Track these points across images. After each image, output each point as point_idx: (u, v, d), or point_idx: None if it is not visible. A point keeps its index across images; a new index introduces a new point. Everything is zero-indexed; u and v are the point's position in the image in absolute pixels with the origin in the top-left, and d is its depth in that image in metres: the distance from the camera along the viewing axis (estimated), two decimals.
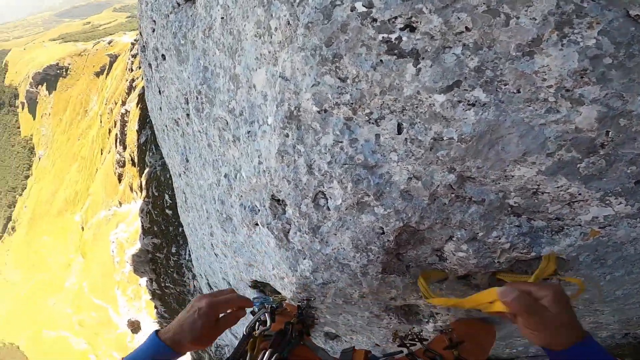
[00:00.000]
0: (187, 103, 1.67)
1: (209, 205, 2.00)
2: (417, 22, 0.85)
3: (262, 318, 1.70)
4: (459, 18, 0.80)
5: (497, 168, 0.93)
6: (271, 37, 1.07)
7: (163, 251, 6.97)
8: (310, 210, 1.27)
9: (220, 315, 1.03)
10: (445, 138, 0.93)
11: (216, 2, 1.31)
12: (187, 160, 1.97)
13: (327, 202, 1.22)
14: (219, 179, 1.68)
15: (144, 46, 2.24)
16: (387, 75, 0.92)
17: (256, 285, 2.56)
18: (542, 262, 1.10)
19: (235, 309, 1.08)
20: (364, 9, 0.87)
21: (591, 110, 0.79)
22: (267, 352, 1.12)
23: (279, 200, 1.36)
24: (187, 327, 0.90)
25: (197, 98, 1.51)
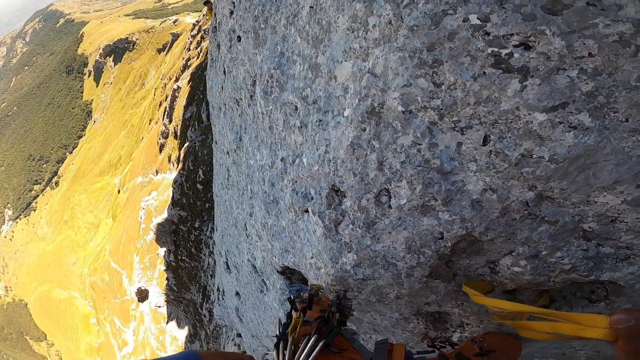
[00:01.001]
0: (254, 85, 1.70)
1: (255, 185, 2.04)
2: (535, 41, 0.83)
3: (303, 297, 1.74)
4: (584, 44, 0.78)
5: (581, 192, 0.91)
6: (366, 33, 1.08)
7: (187, 224, 7.17)
8: (370, 205, 1.28)
9: None
10: (534, 156, 0.92)
11: None
12: (241, 140, 2.01)
13: (390, 200, 1.23)
14: (274, 162, 1.71)
15: (215, 27, 2.28)
16: (487, 87, 0.91)
17: (285, 271, 2.60)
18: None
19: None
20: (478, 22, 0.87)
21: None
22: (312, 338, 1.14)
23: (338, 190, 1.37)
24: None
25: (268, 81, 1.54)
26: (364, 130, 1.14)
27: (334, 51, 1.20)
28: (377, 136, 1.12)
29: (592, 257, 1.02)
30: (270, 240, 2.28)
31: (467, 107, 0.95)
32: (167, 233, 7.40)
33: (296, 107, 1.41)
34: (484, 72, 0.89)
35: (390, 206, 1.24)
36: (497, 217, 1.05)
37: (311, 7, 1.30)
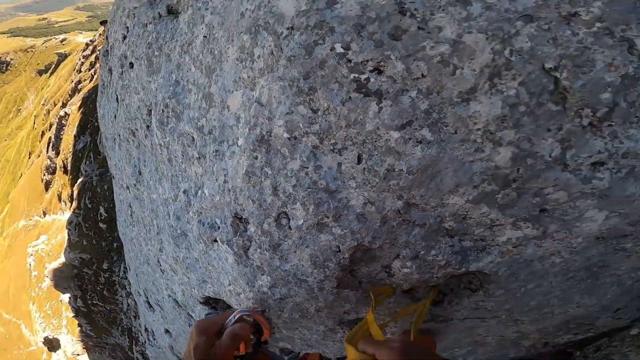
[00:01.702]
0: (150, 115, 1.66)
1: (161, 220, 1.96)
2: (384, 66, 1.00)
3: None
4: (418, 66, 0.97)
5: (436, 197, 1.11)
6: (252, 64, 1.16)
7: (92, 267, 6.37)
8: (272, 228, 1.35)
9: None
10: (396, 169, 1.09)
11: (201, 20, 1.37)
12: (140, 173, 1.92)
13: (289, 222, 1.32)
14: (177, 195, 1.68)
15: (107, 51, 2.16)
16: (353, 110, 1.06)
17: (208, 301, 2.51)
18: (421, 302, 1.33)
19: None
20: (342, 50, 1.01)
21: (507, 150, 1.00)
22: None
23: (241, 218, 1.41)
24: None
25: (164, 111, 1.53)
26: (256, 158, 1.21)
27: (225, 81, 1.27)
28: (268, 163, 1.20)
29: (458, 251, 1.23)
30: (186, 273, 2.19)
31: (340, 129, 1.09)
32: (68, 278, 6.48)
33: (193, 138, 1.43)
34: (350, 97, 1.04)
35: (290, 227, 1.32)
36: (380, 226, 1.21)
37: (205, 36, 1.35)
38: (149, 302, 3.80)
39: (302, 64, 1.05)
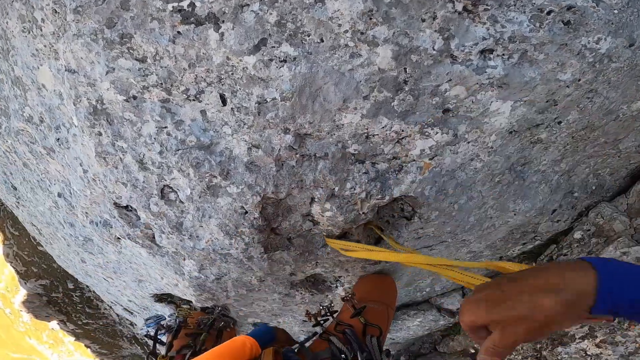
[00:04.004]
0: None
1: (60, 232, 1.75)
2: None
3: (167, 325, 1.62)
4: None
5: (327, 119, 0.96)
6: (41, 30, 0.90)
7: (58, 290, 6.10)
8: (162, 208, 1.18)
9: None
10: (268, 100, 0.92)
11: None
12: (15, 188, 1.66)
13: (178, 195, 1.15)
14: (55, 201, 1.45)
15: None
16: (190, 46, 0.85)
17: (161, 298, 2.41)
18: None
19: None
20: None
21: (386, 50, 0.84)
22: None
23: (125, 206, 1.23)
24: None
25: None
26: (100, 134, 0.99)
27: (24, 58, 1.00)
28: (118, 135, 0.99)
29: (375, 177, 1.11)
30: (118, 277, 2.04)
31: (185, 72, 0.89)
32: (43, 306, 6.22)
33: (29, 132, 1.18)
34: (179, 32, 0.83)
35: (181, 200, 1.16)
36: (277, 171, 1.06)
37: None
38: (126, 309, 3.69)
39: (96, 11, 0.80)
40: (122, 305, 3.28)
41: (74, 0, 0.81)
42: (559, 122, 1.06)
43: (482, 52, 0.86)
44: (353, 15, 0.81)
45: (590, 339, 1.47)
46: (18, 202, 1.81)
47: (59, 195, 1.39)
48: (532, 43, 0.85)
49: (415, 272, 1.91)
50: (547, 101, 0.98)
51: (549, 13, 0.82)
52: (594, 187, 1.47)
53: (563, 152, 1.21)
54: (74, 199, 1.35)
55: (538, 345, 1.86)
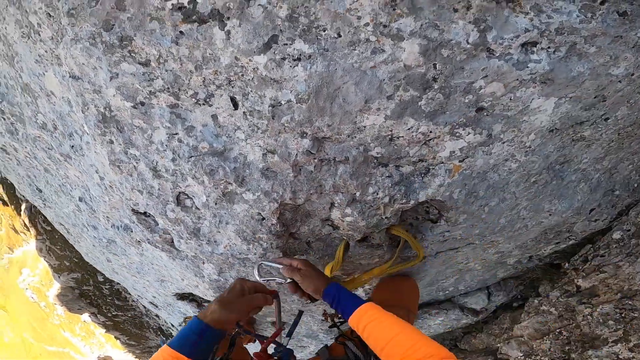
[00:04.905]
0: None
1: (85, 234, 1.75)
2: None
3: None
4: None
5: (347, 121, 0.88)
6: (40, 35, 0.85)
7: (89, 283, 6.33)
8: (179, 214, 1.14)
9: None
10: (283, 102, 0.84)
11: None
12: (40, 191, 1.67)
13: (194, 202, 1.10)
14: (77, 205, 1.44)
15: None
16: (194, 47, 0.78)
17: (183, 297, 2.42)
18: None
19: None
20: None
21: (412, 44, 0.75)
22: None
23: (143, 212, 1.20)
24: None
25: (5, 119, 1.23)
26: (112, 142, 0.95)
27: (28, 64, 0.96)
28: (129, 143, 0.95)
29: (400, 181, 1.02)
30: (142, 276, 2.05)
31: (192, 75, 0.82)
32: (75, 299, 6.48)
33: (45, 139, 1.15)
34: (181, 32, 0.76)
35: (197, 207, 1.11)
36: (295, 176, 0.99)
37: None
38: (152, 303, 3.78)
39: (91, 13, 0.74)
40: (147, 299, 3.35)
41: (66, 2, 0.75)
42: (606, 119, 0.94)
43: (523, 45, 0.75)
44: (374, 5, 0.71)
45: (624, 343, 1.37)
46: (44, 204, 1.83)
47: (80, 199, 1.38)
48: (583, 35, 0.73)
49: (439, 271, 1.81)
50: (595, 97, 0.85)
51: (602, 3, 0.70)
52: (636, 185, 1.32)
53: (607, 149, 1.08)
54: (95, 204, 1.33)
55: (567, 348, 1.75)
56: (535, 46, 0.74)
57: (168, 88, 0.83)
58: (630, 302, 1.39)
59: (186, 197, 1.09)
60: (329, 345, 1.36)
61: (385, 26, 0.73)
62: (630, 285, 1.40)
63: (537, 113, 0.86)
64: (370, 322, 0.88)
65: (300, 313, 1.21)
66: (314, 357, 1.31)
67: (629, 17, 0.71)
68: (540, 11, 0.70)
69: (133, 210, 1.17)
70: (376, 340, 0.84)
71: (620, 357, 1.38)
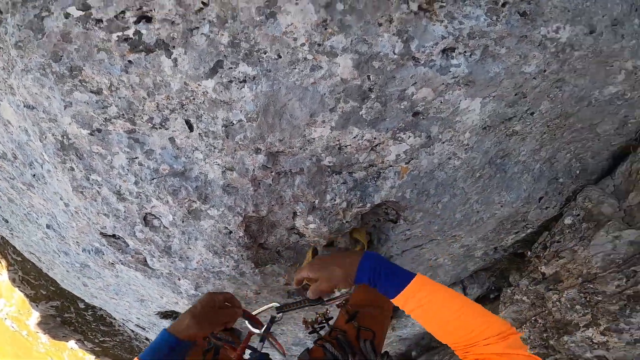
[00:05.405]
0: None
1: (57, 259, 1.74)
2: (149, 10, 0.75)
3: None
4: None
5: (296, 135, 0.93)
6: None
7: (70, 310, 6.12)
8: (148, 234, 1.16)
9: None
10: (234, 122, 0.89)
11: None
12: (7, 221, 1.65)
13: (161, 221, 1.13)
14: (45, 232, 1.44)
15: None
16: (144, 74, 0.82)
17: (166, 315, 2.41)
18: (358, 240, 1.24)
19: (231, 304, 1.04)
20: (81, 13, 0.74)
21: (345, 59, 0.81)
22: None
23: (111, 235, 1.22)
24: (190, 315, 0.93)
25: None
26: (73, 169, 0.97)
27: None
28: (90, 169, 0.97)
29: (354, 186, 1.08)
30: (122, 297, 2.04)
31: (145, 101, 0.86)
32: (58, 327, 6.25)
33: (6, 169, 1.16)
34: (130, 61, 0.80)
35: (165, 226, 1.14)
36: (255, 190, 1.04)
37: None
38: (138, 325, 3.71)
39: (39, 45, 0.78)
40: (133, 322, 3.29)
41: (12, 35, 0.78)
42: (532, 113, 1.03)
43: (443, 51, 0.83)
44: (307, 27, 0.77)
45: (595, 327, 1.41)
46: (12, 234, 1.80)
47: (48, 227, 1.38)
48: (492, 37, 0.81)
49: (411, 269, 1.88)
50: (515, 94, 0.94)
51: (504, 5, 0.78)
52: (578, 172, 1.43)
53: (541, 141, 1.17)
54: (63, 230, 1.33)
55: (544, 335, 1.82)
56: (454, 51, 0.82)
57: (123, 114, 0.87)
58: (592, 286, 1.41)
59: (153, 217, 1.12)
60: (310, 348, 1.40)
61: (319, 45, 0.80)
62: (588, 269, 1.44)
63: (467, 113, 0.94)
64: (421, 305, 0.79)
65: (273, 318, 1.24)
66: None
67: (530, 17, 0.80)
68: (453, 18, 0.78)
69: (102, 233, 1.19)
70: (433, 322, 0.78)
71: (595, 341, 1.39)
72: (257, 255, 1.29)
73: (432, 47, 0.81)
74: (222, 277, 1.39)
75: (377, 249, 1.40)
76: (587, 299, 1.33)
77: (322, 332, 1.37)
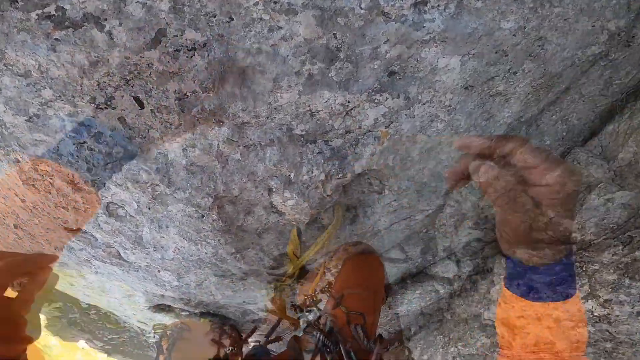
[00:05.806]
0: None
1: None
2: None
3: None
4: None
5: (261, 104, 0.84)
6: None
7: (74, 310, 6.11)
8: (115, 225, 1.09)
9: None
10: (188, 93, 0.80)
11: None
12: None
13: (126, 210, 1.05)
14: (15, 232, 1.35)
15: None
16: (76, 52, 0.72)
17: (160, 308, 2.36)
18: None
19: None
20: None
21: (307, 16, 0.71)
22: None
23: (79, 229, 1.14)
24: None
25: None
26: (18, 161, 0.88)
27: None
28: (36, 159, 0.88)
29: (332, 156, 1.01)
30: (109, 294, 1.98)
31: (83, 79, 0.76)
32: (65, 328, 6.27)
33: None
34: (57, 39, 0.69)
35: (131, 215, 1.06)
36: (223, 167, 0.96)
37: None
38: (140, 321, 3.69)
39: None
40: (132, 318, 3.28)
41: None
42: (514, 73, 0.95)
43: (415, 5, 0.73)
44: None
45: (594, 299, 1.35)
46: None
47: (15, 226, 1.29)
48: None
49: (403, 242, 1.83)
50: (496, 52, 0.86)
51: None
52: (564, 133, 1.36)
53: (525, 102, 1.09)
54: (30, 229, 1.25)
55: None
56: (426, 5, 0.73)
57: (60, 96, 0.77)
58: (587, 254, 1.35)
59: (117, 206, 1.04)
60: (298, 336, 1.36)
61: (275, 2, 0.70)
62: (582, 236, 1.38)
63: (447, 72, 0.86)
64: None
65: (279, 320, 1.20)
66: (284, 351, 1.30)
67: None
68: None
69: (66, 228, 1.11)
70: None
71: (595, 314, 1.33)
72: (236, 238, 1.22)
73: (402, 0, 0.71)
74: (202, 265, 1.33)
75: (364, 223, 1.33)
76: (584, 269, 1.28)
77: (311, 317, 1.32)
